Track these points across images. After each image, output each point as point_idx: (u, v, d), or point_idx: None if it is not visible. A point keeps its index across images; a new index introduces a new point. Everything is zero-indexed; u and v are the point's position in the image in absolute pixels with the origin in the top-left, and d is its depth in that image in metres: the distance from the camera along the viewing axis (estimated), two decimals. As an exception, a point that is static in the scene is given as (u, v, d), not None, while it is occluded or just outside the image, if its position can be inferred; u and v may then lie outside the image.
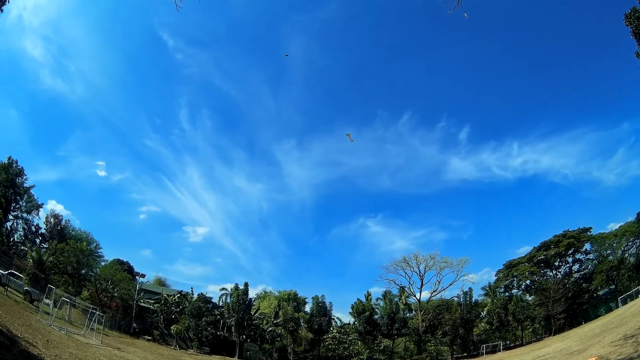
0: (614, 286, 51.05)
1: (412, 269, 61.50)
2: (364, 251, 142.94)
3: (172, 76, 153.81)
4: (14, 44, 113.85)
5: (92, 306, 31.59)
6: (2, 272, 30.99)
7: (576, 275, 57.94)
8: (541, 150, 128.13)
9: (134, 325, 47.27)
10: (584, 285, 55.31)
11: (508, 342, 54.24)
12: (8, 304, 21.54)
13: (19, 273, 34.54)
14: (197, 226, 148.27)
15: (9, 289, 27.79)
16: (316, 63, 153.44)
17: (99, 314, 28.73)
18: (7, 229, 54.74)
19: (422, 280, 60.90)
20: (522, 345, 49.45)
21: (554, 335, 47.65)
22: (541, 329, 54.97)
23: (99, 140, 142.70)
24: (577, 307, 53.45)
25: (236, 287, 51.27)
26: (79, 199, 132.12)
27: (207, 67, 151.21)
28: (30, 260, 41.75)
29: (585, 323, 45.70)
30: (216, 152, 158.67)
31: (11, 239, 55.44)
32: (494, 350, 47.71)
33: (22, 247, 54.72)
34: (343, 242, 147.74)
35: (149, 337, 45.93)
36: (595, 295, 53.59)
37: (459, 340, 52.48)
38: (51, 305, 25.84)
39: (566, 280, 55.81)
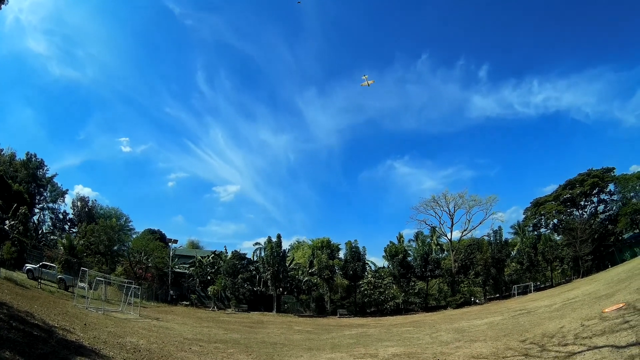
0: (638, 230, 50.50)
1: (442, 209, 60.66)
2: (394, 193, 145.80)
3: (185, 42, 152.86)
4: (16, 46, 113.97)
5: (127, 280, 31.76)
6: (34, 265, 31.71)
7: (602, 216, 57.14)
8: (562, 88, 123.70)
9: (171, 292, 48.37)
10: (609, 227, 54.49)
11: (538, 283, 54.31)
12: (42, 297, 21.94)
13: (52, 263, 35.07)
14: (228, 185, 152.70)
15: (42, 281, 28.10)
16: (330, 10, 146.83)
17: (134, 287, 28.95)
18: (34, 222, 55.06)
19: (452, 219, 60.15)
20: (552, 286, 49.20)
21: (582, 277, 47.43)
22: (570, 270, 54.72)
23: (119, 117, 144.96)
24: (603, 249, 52.96)
25: (269, 240, 50.60)
26: (106, 177, 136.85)
27: (219, 29, 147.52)
28: (61, 247, 42.34)
29: (611, 267, 45.30)
30: (238, 110, 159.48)
31: (39, 231, 55.72)
32: (525, 291, 47.51)
33: (52, 237, 55.25)
34: (373, 185, 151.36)
35: (186, 303, 46.90)
36: (620, 238, 52.91)
37: (491, 280, 52.11)
38: (86, 288, 25.95)
39: (592, 221, 54.98)
